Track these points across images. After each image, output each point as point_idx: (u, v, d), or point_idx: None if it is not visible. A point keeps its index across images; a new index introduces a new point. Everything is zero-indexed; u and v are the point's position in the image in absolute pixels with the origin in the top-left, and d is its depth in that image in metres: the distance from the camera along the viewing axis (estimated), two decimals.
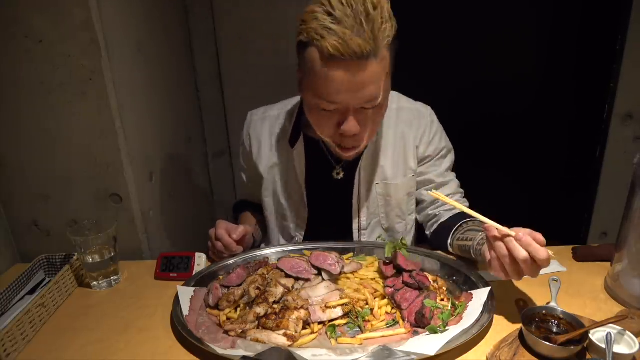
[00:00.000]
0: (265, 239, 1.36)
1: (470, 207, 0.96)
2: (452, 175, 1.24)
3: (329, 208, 1.21)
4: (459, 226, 1.12)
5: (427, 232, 1.26)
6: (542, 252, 0.82)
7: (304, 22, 0.90)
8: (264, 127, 1.24)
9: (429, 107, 1.23)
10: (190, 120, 2.00)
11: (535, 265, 0.83)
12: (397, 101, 1.20)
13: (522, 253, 0.82)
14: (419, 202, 1.26)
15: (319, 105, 0.96)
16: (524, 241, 0.83)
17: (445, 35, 2.28)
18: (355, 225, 1.22)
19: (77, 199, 1.29)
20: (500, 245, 0.86)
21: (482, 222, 0.91)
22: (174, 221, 1.65)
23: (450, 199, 0.96)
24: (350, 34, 0.85)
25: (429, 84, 2.33)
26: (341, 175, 1.19)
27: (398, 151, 1.18)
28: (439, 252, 1.12)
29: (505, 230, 0.86)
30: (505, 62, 2.34)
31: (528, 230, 0.86)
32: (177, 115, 1.80)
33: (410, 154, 1.18)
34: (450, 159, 1.24)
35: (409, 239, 1.27)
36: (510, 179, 2.60)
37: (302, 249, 1.15)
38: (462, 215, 1.12)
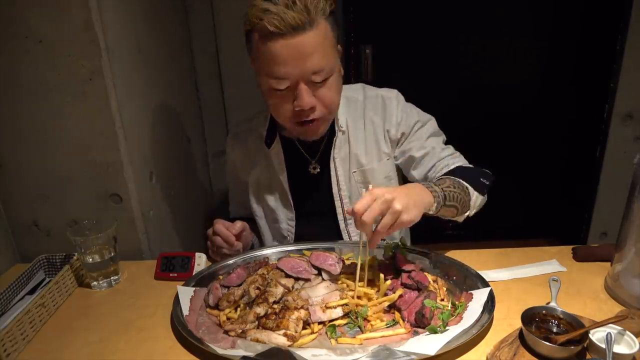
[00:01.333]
0: (260, 244, 1.37)
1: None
2: (435, 141, 1.21)
3: (313, 203, 1.25)
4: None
5: None
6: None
7: (246, 14, 0.99)
8: (243, 137, 1.29)
9: (394, 90, 1.24)
10: (190, 120, 2.00)
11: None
12: (363, 91, 1.23)
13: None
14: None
15: (271, 85, 1.01)
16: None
17: (446, 35, 2.28)
18: (340, 217, 1.24)
19: (77, 199, 1.29)
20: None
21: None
22: (174, 221, 1.65)
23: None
24: (284, 9, 0.92)
25: (430, 84, 2.33)
26: (317, 170, 1.22)
27: (369, 138, 1.21)
28: (439, 252, 1.11)
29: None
30: (506, 62, 2.34)
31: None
32: (177, 115, 1.80)
33: (381, 138, 1.21)
34: (428, 128, 1.21)
35: (403, 232, 1.29)
36: (511, 178, 2.59)
37: (302, 249, 1.15)
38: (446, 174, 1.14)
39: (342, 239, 1.24)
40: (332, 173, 1.21)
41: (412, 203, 0.90)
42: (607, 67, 2.11)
